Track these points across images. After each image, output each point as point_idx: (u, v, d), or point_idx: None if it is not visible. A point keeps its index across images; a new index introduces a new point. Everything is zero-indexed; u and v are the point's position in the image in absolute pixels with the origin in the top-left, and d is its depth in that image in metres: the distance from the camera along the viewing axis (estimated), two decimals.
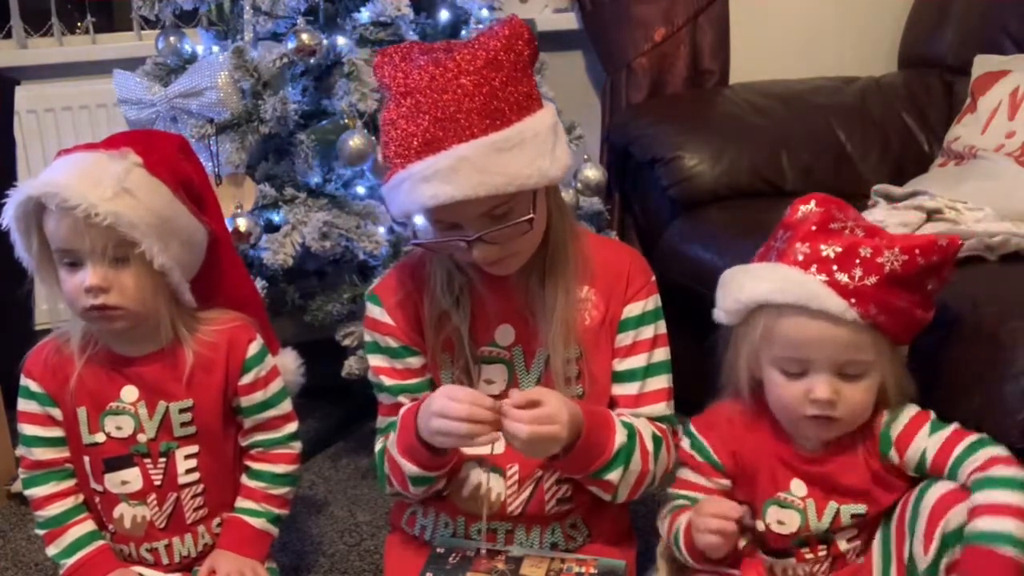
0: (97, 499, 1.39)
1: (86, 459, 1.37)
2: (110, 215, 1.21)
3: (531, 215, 1.18)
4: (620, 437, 1.23)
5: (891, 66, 2.48)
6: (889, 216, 1.67)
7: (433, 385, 1.32)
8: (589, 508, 1.35)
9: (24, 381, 1.37)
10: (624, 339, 1.30)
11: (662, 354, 1.32)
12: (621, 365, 1.31)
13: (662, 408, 1.31)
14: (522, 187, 1.15)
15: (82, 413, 1.35)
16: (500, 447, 1.24)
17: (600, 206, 2.10)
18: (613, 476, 1.23)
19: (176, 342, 1.35)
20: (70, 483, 1.40)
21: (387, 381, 1.32)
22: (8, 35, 2.47)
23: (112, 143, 1.31)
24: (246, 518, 1.43)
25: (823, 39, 2.58)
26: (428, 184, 1.12)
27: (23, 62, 2.38)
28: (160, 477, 1.38)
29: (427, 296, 1.28)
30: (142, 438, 1.36)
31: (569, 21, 2.52)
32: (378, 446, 1.34)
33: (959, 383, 1.38)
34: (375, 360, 1.34)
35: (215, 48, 2.01)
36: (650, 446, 1.26)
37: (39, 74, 2.38)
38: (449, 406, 1.15)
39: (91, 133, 2.37)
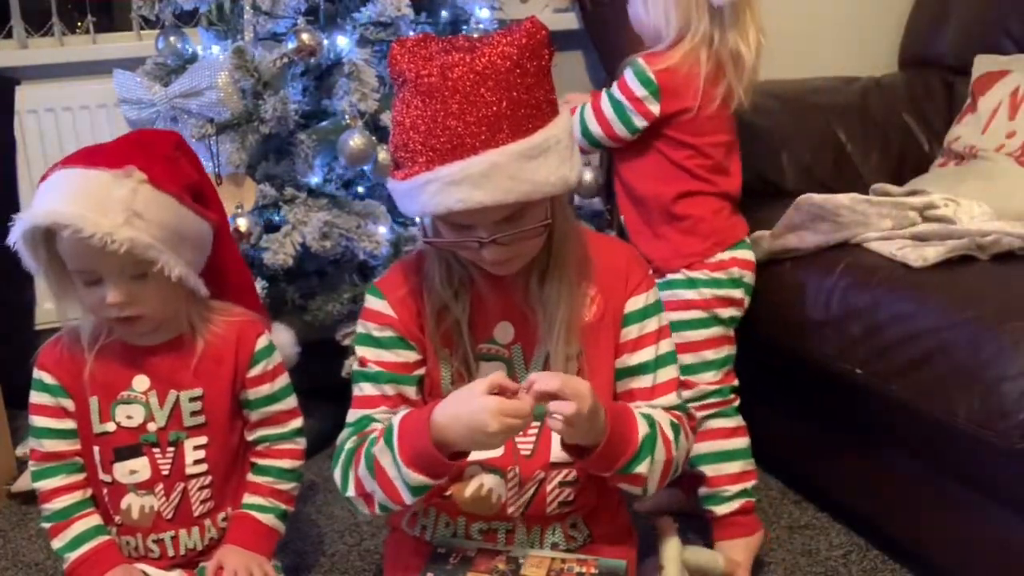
0: (105, 490, 1.40)
1: (96, 449, 1.39)
2: (126, 241, 1.23)
3: (548, 220, 1.18)
4: (643, 428, 1.22)
5: (891, 66, 2.48)
6: (880, 218, 1.68)
7: (421, 383, 1.31)
8: (590, 508, 1.35)
9: (37, 374, 1.39)
10: (629, 333, 1.30)
11: (668, 345, 1.32)
12: (632, 360, 1.30)
13: (673, 398, 1.31)
14: (547, 194, 1.15)
15: (94, 403, 1.37)
16: (500, 450, 1.24)
17: (600, 206, 2.10)
18: (642, 468, 1.21)
19: (188, 332, 1.38)
20: (79, 477, 1.40)
21: (375, 368, 1.29)
22: (8, 35, 2.47)
23: (111, 156, 1.29)
24: (255, 514, 1.44)
25: (823, 39, 2.57)
26: (458, 188, 1.11)
27: (23, 62, 2.38)
28: (168, 467, 1.39)
29: (427, 289, 1.28)
30: (152, 427, 1.38)
31: (569, 21, 2.52)
32: (349, 444, 1.28)
33: (959, 383, 1.38)
34: (365, 352, 1.31)
35: (215, 48, 2.01)
36: (670, 434, 1.25)
37: (39, 74, 2.38)
38: (511, 423, 1.11)
39: (91, 133, 2.37)
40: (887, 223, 1.68)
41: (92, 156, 1.30)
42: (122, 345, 1.37)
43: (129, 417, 1.38)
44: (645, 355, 1.30)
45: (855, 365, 1.56)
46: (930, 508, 1.56)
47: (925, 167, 2.11)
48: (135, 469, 1.38)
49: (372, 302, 1.31)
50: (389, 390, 1.29)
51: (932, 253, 1.55)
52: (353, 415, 1.32)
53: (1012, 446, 1.31)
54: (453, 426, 1.14)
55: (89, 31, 2.52)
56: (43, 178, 1.31)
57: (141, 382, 1.38)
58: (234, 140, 1.84)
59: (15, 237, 1.27)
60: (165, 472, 1.39)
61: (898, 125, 2.22)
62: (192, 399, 1.39)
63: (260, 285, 1.83)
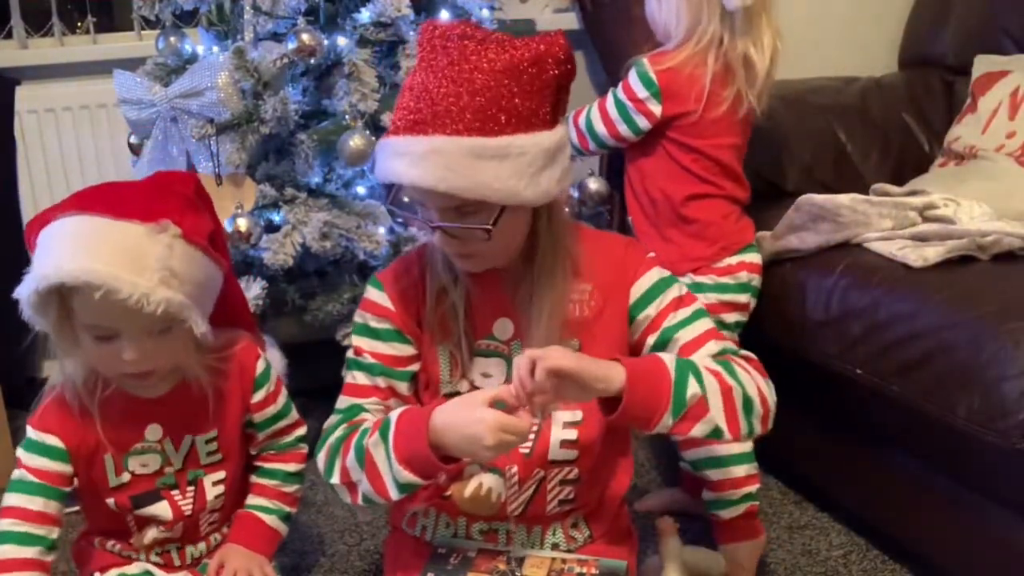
0: (130, 519, 1.36)
1: (110, 501, 1.33)
2: (162, 302, 1.14)
3: (488, 226, 1.16)
4: (668, 359, 1.18)
5: (891, 66, 2.48)
6: (880, 218, 1.68)
7: (413, 379, 1.31)
8: (590, 508, 1.35)
9: (37, 435, 1.29)
10: (648, 316, 1.28)
11: (690, 309, 1.28)
12: (656, 336, 1.28)
13: (712, 346, 1.26)
14: (485, 198, 1.14)
15: (108, 460, 1.31)
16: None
17: (600, 207, 2.10)
18: (694, 389, 1.15)
19: (193, 377, 1.32)
20: (48, 558, 1.28)
21: (369, 359, 1.30)
22: (8, 35, 2.47)
23: (139, 206, 1.18)
24: (260, 514, 1.43)
25: (823, 39, 2.58)
26: (399, 160, 1.14)
27: (23, 62, 2.38)
28: (190, 506, 1.36)
29: (430, 270, 1.28)
30: (169, 471, 1.34)
31: (569, 21, 2.52)
32: (338, 432, 1.27)
33: (959, 383, 1.38)
34: (361, 341, 1.31)
35: (215, 48, 2.01)
36: (715, 366, 1.20)
37: (39, 74, 2.38)
38: (508, 439, 1.11)
39: (91, 133, 2.38)
40: (887, 223, 1.68)
41: (117, 204, 1.18)
42: (127, 397, 1.30)
43: (144, 465, 1.33)
44: (668, 322, 1.28)
45: (855, 365, 1.56)
46: (930, 508, 1.56)
47: (925, 167, 2.11)
48: (156, 514, 1.34)
49: (372, 293, 1.31)
50: (381, 382, 1.29)
51: (932, 253, 1.55)
52: (343, 402, 1.32)
53: (1012, 446, 1.31)
54: (450, 432, 1.14)
55: (89, 31, 2.52)
56: (45, 219, 1.20)
57: (154, 431, 1.32)
58: (234, 140, 1.83)
59: (28, 290, 1.15)
60: (187, 512, 1.36)
61: (898, 125, 2.22)
62: (208, 440, 1.36)
63: (260, 285, 1.83)
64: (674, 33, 1.67)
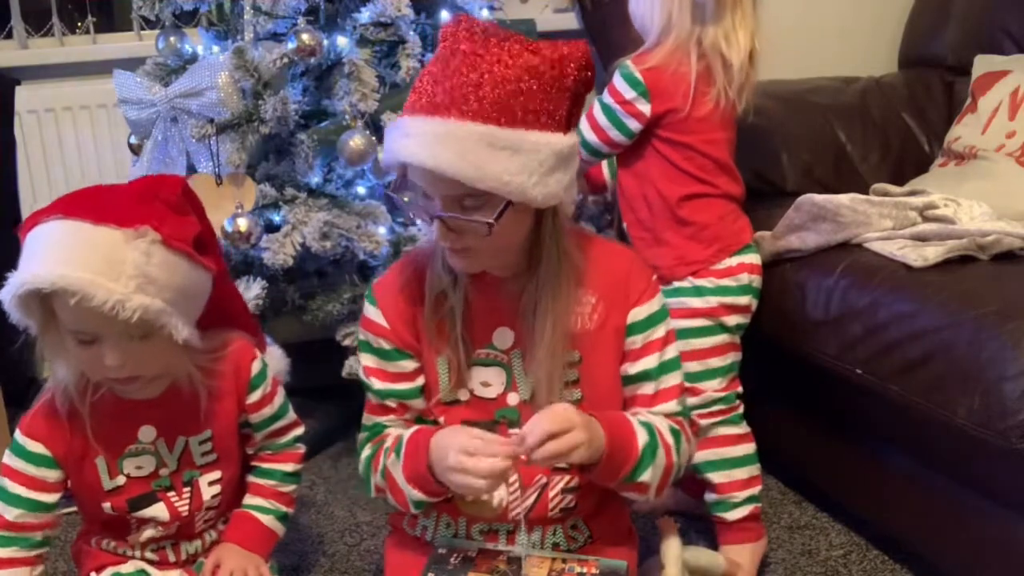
0: (129, 518, 1.36)
1: (106, 505, 1.33)
2: (138, 309, 1.13)
3: (490, 221, 1.15)
4: (642, 436, 1.22)
5: (891, 66, 2.48)
6: (880, 218, 1.68)
7: (423, 393, 1.31)
8: (591, 510, 1.35)
9: (21, 439, 1.30)
10: (634, 343, 1.29)
11: (673, 351, 1.31)
12: (636, 367, 1.30)
13: (674, 405, 1.30)
14: (492, 190, 1.13)
15: (101, 463, 1.31)
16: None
17: (601, 206, 2.10)
18: (646, 477, 1.22)
19: (185, 379, 1.31)
20: (31, 552, 1.31)
21: (376, 383, 1.32)
22: (9, 35, 2.48)
23: (120, 211, 1.17)
24: (256, 514, 1.43)
25: (823, 39, 2.58)
26: (410, 140, 1.13)
27: (23, 62, 2.38)
28: (186, 506, 1.36)
29: (430, 270, 1.28)
30: (164, 472, 1.34)
31: (569, 21, 2.52)
32: (366, 451, 1.32)
33: (959, 383, 1.38)
34: (366, 360, 1.33)
35: (215, 48, 2.01)
36: (670, 440, 1.25)
37: (39, 74, 2.38)
38: (468, 463, 1.13)
39: (91, 133, 2.38)
40: (888, 223, 1.68)
41: (98, 209, 1.17)
42: (118, 399, 1.30)
43: (139, 468, 1.33)
44: (649, 362, 1.29)
45: (855, 365, 1.56)
46: (930, 508, 1.56)
47: (925, 167, 2.11)
48: (153, 515, 1.35)
49: (368, 309, 1.33)
50: (391, 403, 1.32)
51: (932, 253, 1.55)
52: (367, 419, 1.36)
53: (1012, 446, 1.31)
54: (438, 456, 1.19)
55: (89, 31, 2.53)
56: (33, 221, 1.20)
57: (147, 433, 1.32)
58: (234, 140, 1.83)
59: (8, 294, 1.15)
60: (184, 512, 1.36)
61: (898, 125, 2.22)
62: (202, 442, 1.36)
63: (260, 285, 1.83)
64: (650, 29, 1.65)
